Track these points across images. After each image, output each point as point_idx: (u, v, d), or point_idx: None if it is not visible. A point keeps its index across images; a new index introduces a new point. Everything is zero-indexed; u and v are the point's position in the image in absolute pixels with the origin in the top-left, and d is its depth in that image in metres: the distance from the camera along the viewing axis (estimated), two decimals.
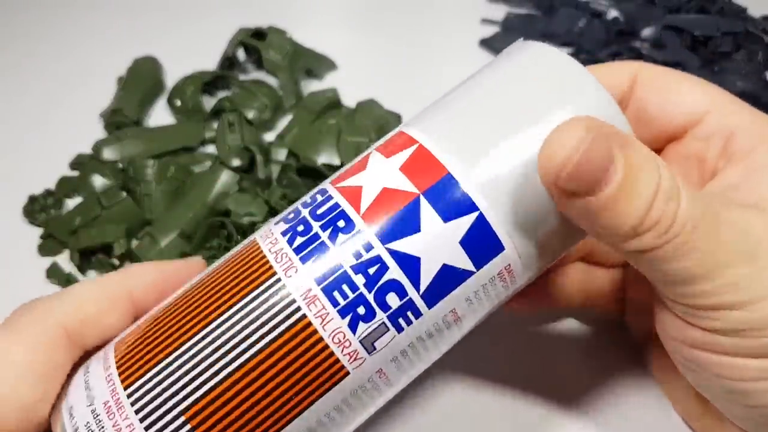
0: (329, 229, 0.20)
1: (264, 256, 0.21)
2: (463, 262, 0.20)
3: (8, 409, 0.20)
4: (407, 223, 0.20)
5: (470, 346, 0.32)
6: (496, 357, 0.31)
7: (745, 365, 0.21)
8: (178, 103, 0.45)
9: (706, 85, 0.25)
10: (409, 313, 0.20)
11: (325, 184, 0.22)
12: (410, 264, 0.20)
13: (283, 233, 0.21)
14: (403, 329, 0.20)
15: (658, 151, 0.26)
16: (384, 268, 0.20)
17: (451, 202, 0.20)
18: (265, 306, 0.20)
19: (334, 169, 0.39)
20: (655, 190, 0.18)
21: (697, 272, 0.19)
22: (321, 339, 0.20)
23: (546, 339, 0.32)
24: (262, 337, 0.20)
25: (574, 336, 0.32)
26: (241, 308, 0.20)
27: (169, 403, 0.19)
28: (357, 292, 0.20)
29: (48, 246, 0.36)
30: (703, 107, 0.24)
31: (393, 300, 0.20)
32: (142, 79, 0.47)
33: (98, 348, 0.23)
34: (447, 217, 0.20)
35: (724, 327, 0.21)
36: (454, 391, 0.30)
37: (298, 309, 0.20)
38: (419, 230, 0.20)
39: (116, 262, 0.34)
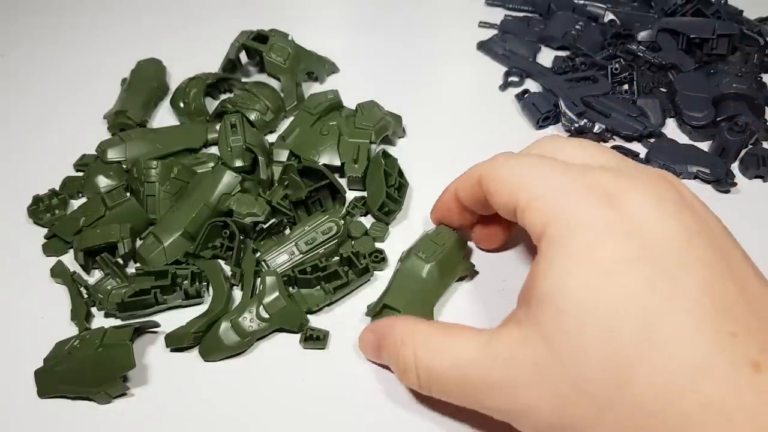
0: None
1: None
2: None
3: None
4: None
5: None
6: None
7: None
8: (182, 104, 0.45)
9: (518, 171, 0.27)
10: None
11: None
12: None
13: None
14: None
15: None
16: None
17: None
18: None
19: (334, 169, 0.40)
20: (403, 365, 0.27)
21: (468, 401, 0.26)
22: None
23: None
24: None
25: None
26: None
27: None
28: None
29: (52, 246, 0.37)
30: (512, 204, 0.26)
31: None
32: (146, 81, 0.47)
33: None
34: None
35: None
36: None
37: None
38: None
39: (120, 261, 0.35)
